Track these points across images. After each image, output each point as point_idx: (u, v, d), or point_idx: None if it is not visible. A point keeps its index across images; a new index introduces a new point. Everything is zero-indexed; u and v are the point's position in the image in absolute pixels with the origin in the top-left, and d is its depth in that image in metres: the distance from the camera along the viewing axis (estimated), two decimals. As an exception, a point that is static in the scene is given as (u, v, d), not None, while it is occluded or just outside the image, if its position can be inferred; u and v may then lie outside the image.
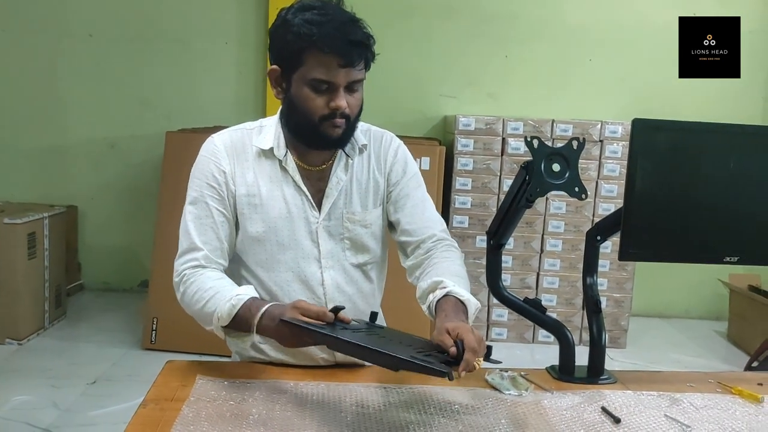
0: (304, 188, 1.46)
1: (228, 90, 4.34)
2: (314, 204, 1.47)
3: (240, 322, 1.34)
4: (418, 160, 3.46)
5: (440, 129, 4.36)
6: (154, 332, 3.44)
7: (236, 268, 1.51)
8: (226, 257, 1.47)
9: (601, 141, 3.78)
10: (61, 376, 3.12)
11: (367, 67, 1.39)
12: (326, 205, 1.47)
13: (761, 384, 1.48)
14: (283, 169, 1.46)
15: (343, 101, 1.35)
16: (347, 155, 1.49)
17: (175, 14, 4.27)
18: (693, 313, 4.55)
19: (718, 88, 3.97)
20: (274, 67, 1.41)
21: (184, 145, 3.18)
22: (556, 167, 1.37)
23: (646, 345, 3.96)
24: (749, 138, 1.44)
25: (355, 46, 1.32)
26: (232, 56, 4.28)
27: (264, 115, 4.00)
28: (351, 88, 1.37)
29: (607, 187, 3.80)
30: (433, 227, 1.54)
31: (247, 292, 1.36)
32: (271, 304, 1.34)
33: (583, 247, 1.53)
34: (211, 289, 1.37)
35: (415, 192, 1.55)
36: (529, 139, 1.35)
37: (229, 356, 1.60)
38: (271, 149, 1.45)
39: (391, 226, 1.57)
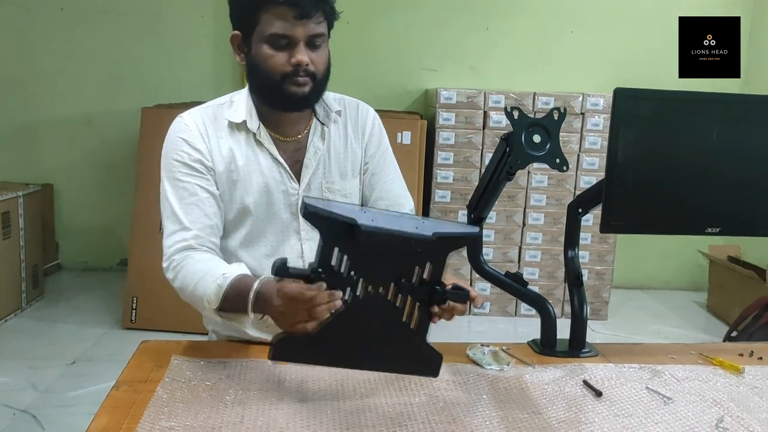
0: (281, 159, 1.42)
1: (205, 64, 4.25)
2: (293, 175, 1.43)
3: (232, 302, 1.26)
4: (400, 134, 3.42)
5: (421, 103, 4.31)
6: (134, 311, 3.40)
7: None
8: (218, 235, 1.41)
9: (582, 114, 3.76)
10: (39, 357, 3.08)
11: (329, 23, 1.35)
12: (305, 175, 1.44)
13: (741, 354, 1.48)
14: (258, 142, 1.42)
15: (304, 56, 1.31)
16: (322, 123, 1.45)
17: (149, -14, 4.17)
18: (673, 284, 4.59)
19: (700, 60, 3.96)
20: (235, 32, 1.39)
21: (161, 121, 3.02)
22: (536, 138, 1.34)
23: (627, 316, 4.00)
24: (732, 107, 1.41)
25: None
26: (208, 30, 4.18)
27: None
28: (313, 43, 1.33)
29: (589, 160, 3.79)
30: (404, 205, 1.54)
31: (236, 269, 1.29)
32: (260, 281, 1.22)
33: (564, 220, 1.52)
34: (200, 271, 1.31)
35: (389, 167, 1.54)
36: (509, 110, 1.32)
37: (207, 335, 1.57)
38: (244, 122, 1.41)
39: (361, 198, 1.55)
